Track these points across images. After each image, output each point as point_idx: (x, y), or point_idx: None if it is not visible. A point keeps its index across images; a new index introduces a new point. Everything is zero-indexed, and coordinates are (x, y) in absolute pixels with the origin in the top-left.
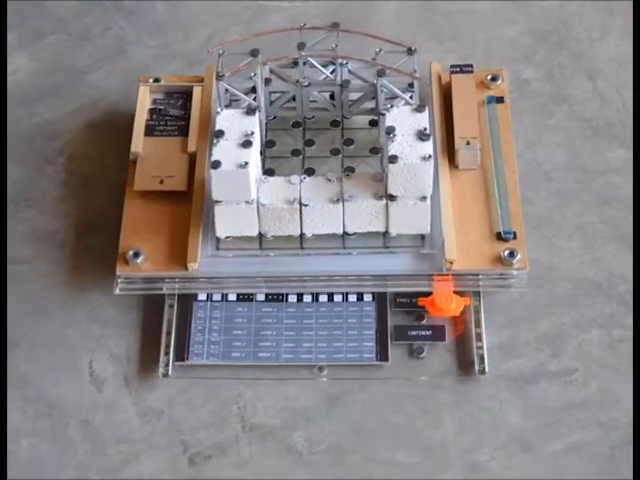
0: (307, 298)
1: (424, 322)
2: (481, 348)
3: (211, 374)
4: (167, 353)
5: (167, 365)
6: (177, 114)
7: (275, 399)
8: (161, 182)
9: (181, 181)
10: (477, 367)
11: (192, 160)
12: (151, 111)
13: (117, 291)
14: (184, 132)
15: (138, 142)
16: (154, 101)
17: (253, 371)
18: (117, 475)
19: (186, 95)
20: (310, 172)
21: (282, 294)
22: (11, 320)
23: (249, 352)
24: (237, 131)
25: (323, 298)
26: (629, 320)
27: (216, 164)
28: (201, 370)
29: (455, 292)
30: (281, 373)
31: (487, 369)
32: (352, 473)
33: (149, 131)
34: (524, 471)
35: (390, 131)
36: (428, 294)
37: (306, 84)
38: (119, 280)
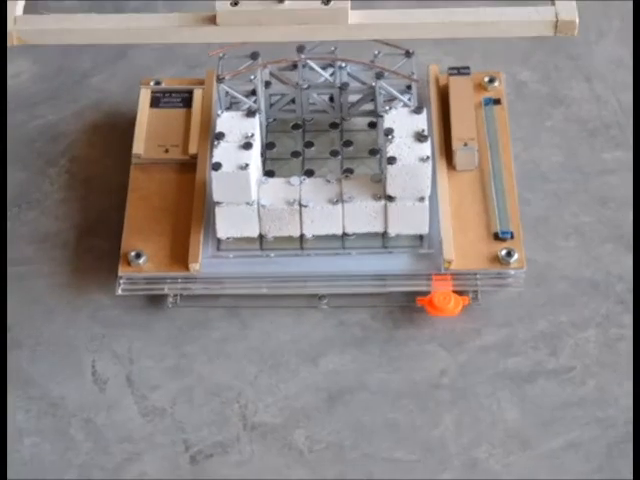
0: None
1: None
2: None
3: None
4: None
5: (175, 295)
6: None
7: (276, 398)
8: (166, 151)
9: (185, 150)
10: (471, 295)
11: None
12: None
13: (119, 292)
14: (188, 104)
15: (140, 144)
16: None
17: (255, 301)
18: (120, 474)
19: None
20: (310, 173)
21: None
22: (14, 321)
23: None
24: (237, 133)
25: None
26: (626, 319)
27: (217, 166)
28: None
29: (453, 291)
30: (282, 302)
31: (480, 297)
32: (352, 471)
33: (154, 103)
34: (522, 468)
35: (388, 133)
36: (427, 293)
37: (305, 86)
38: (121, 281)
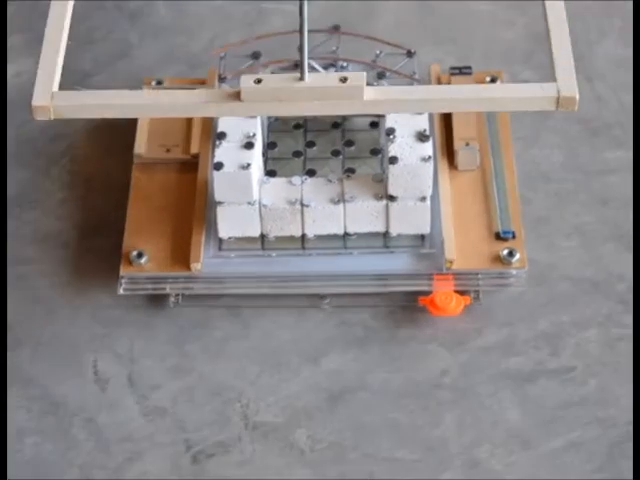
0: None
1: None
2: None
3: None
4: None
5: (177, 295)
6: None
7: (277, 397)
8: (168, 151)
9: (187, 150)
10: (472, 294)
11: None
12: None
13: (121, 291)
14: None
15: (141, 143)
16: None
17: (257, 301)
18: (121, 473)
19: None
20: (311, 173)
21: None
22: (15, 320)
23: None
24: (239, 133)
25: None
26: (627, 319)
27: (218, 166)
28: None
29: (455, 291)
30: (284, 302)
31: (481, 296)
32: (353, 471)
33: None
34: (523, 468)
35: (390, 132)
36: (428, 293)
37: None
38: (123, 280)
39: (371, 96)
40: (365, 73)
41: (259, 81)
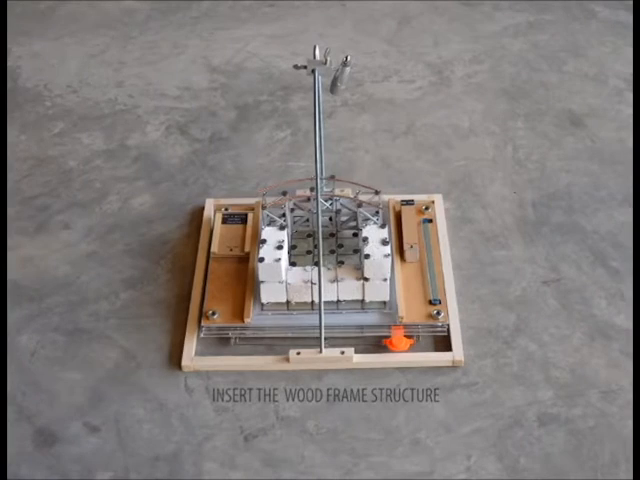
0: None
1: None
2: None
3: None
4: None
5: (235, 337)
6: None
7: (296, 400)
8: (231, 250)
9: (242, 249)
10: (415, 337)
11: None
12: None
13: (202, 335)
14: (244, 222)
15: (215, 245)
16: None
17: (284, 341)
18: (201, 446)
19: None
20: (317, 264)
21: None
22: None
23: None
24: (274, 240)
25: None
26: (510, 352)
27: (261, 259)
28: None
29: (405, 335)
30: (301, 342)
31: (420, 339)
32: (342, 446)
33: (224, 221)
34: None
35: (365, 240)
36: (388, 336)
37: (315, 212)
38: (203, 329)
39: (357, 359)
40: (353, 348)
41: (299, 353)
